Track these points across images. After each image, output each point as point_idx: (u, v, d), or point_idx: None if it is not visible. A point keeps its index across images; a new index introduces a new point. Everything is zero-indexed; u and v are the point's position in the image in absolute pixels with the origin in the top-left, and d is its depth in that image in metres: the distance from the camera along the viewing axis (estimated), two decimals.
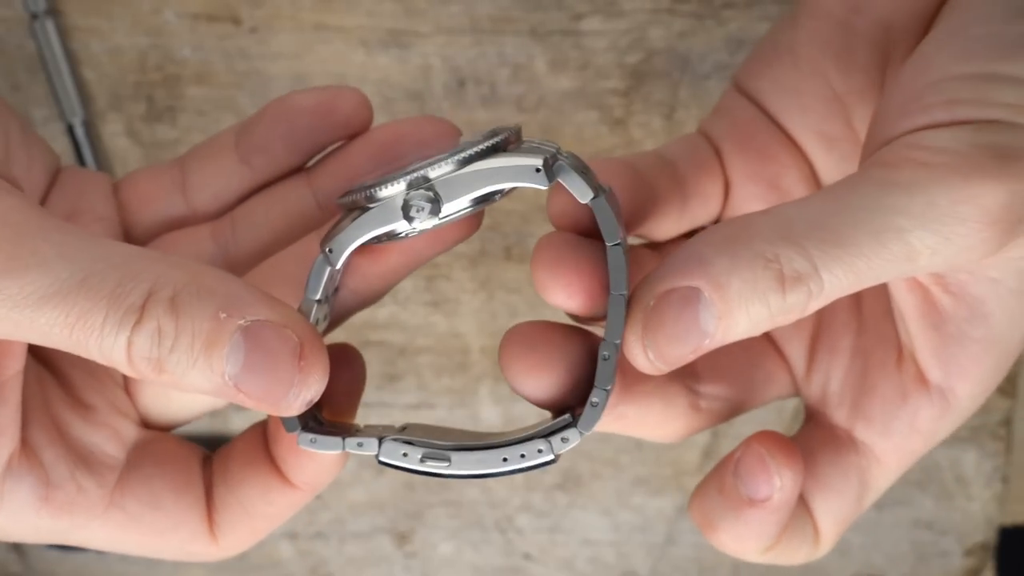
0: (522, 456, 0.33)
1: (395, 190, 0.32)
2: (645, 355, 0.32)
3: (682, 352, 0.31)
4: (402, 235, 0.34)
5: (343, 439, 0.33)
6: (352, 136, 0.38)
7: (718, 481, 0.36)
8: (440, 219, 0.33)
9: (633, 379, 0.36)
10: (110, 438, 0.36)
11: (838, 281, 0.31)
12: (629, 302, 0.32)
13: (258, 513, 0.36)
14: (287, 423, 0.33)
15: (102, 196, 0.39)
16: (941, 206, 0.30)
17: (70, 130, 0.53)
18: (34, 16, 0.52)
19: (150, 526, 0.35)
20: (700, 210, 0.39)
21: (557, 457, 0.33)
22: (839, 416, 0.37)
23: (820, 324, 0.39)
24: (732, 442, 0.57)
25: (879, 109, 0.33)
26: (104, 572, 0.59)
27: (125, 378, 0.37)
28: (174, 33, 0.53)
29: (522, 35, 0.53)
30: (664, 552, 0.59)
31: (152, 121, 0.54)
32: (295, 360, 0.31)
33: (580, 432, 0.33)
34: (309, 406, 0.32)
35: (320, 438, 0.33)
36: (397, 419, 0.57)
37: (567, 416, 0.33)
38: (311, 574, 0.60)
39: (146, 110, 0.54)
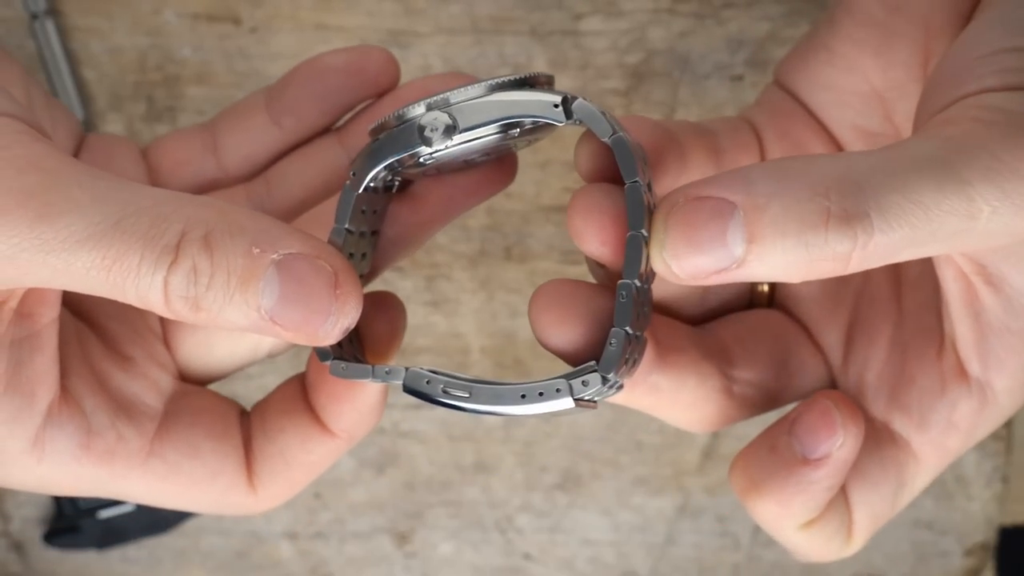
0: (540, 395, 0.32)
1: (416, 112, 0.33)
2: (662, 255, 0.30)
3: (702, 264, 0.30)
4: (424, 161, 0.34)
5: (372, 367, 0.33)
6: (381, 94, 0.39)
7: (770, 440, 0.36)
8: (454, 143, 0.33)
9: (667, 348, 0.35)
10: (149, 388, 0.36)
11: (890, 232, 0.29)
12: (660, 204, 0.31)
13: (297, 462, 0.36)
14: (320, 352, 0.33)
15: (131, 160, 0.40)
16: (1005, 161, 0.30)
17: None
18: (34, 16, 0.52)
19: (189, 475, 0.36)
20: None
21: (577, 402, 0.32)
22: (877, 407, 0.37)
23: (857, 312, 0.38)
24: (733, 442, 0.57)
25: (930, 82, 0.33)
26: (104, 572, 0.59)
27: (164, 330, 0.38)
28: (174, 33, 0.53)
29: (522, 35, 0.53)
30: (664, 552, 0.59)
31: (152, 121, 0.54)
32: (330, 289, 0.31)
33: (602, 375, 0.32)
34: (345, 334, 0.32)
35: (351, 366, 0.33)
36: (397, 419, 0.57)
37: (591, 362, 0.33)
38: (311, 574, 0.60)
39: (146, 110, 0.54)
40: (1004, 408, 0.36)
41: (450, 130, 0.33)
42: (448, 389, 0.33)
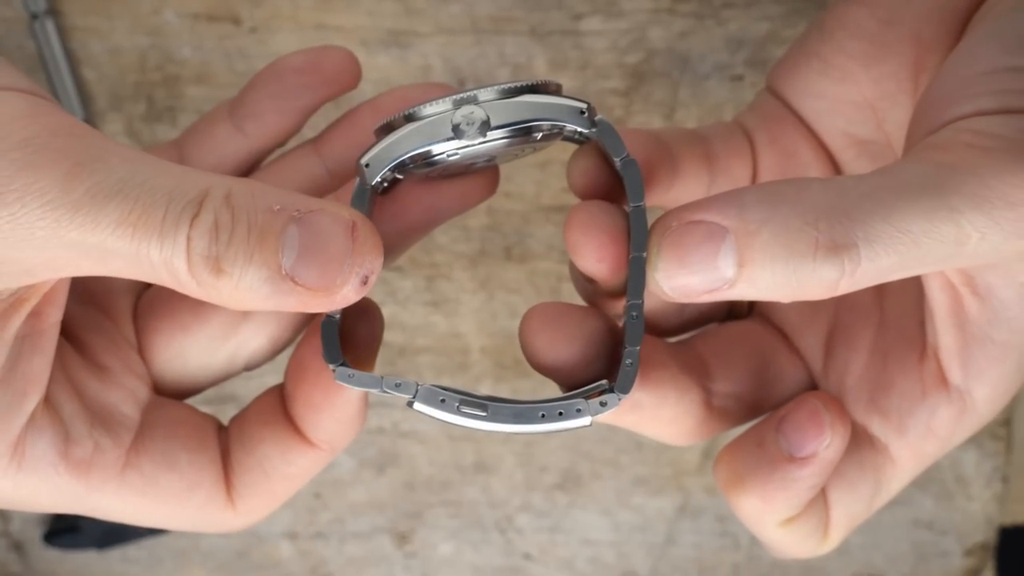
0: (560, 414, 0.32)
1: (442, 108, 0.33)
2: (655, 275, 0.31)
3: (693, 284, 0.31)
4: (437, 159, 0.34)
5: (382, 378, 0.33)
6: (340, 93, 0.39)
7: (757, 436, 0.36)
8: (487, 139, 0.33)
9: (647, 364, 0.36)
10: (125, 398, 0.36)
11: (878, 261, 0.30)
12: (654, 225, 0.32)
13: (277, 474, 0.36)
14: (329, 353, 0.33)
15: None
16: (994, 188, 0.30)
17: None
18: (34, 16, 0.52)
19: (166, 488, 0.35)
20: (727, 188, 0.39)
21: (592, 422, 0.33)
22: (856, 411, 0.37)
23: (837, 317, 0.39)
24: None
25: (924, 99, 0.33)
26: (104, 572, 0.59)
27: (139, 341, 0.37)
28: (174, 33, 0.53)
29: (522, 35, 0.53)
30: (664, 552, 0.59)
31: (152, 121, 0.54)
32: (348, 233, 0.31)
33: (618, 396, 0.32)
34: (366, 285, 0.31)
35: (358, 374, 0.33)
36: (397, 419, 0.57)
37: (603, 381, 0.33)
38: (311, 574, 0.60)
39: (146, 110, 0.54)
40: (982, 416, 0.36)
41: (484, 126, 0.33)
42: (463, 408, 0.33)
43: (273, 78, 0.39)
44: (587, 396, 0.33)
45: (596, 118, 0.33)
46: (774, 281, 0.30)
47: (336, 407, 0.35)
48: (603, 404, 0.32)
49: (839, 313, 0.38)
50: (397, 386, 0.33)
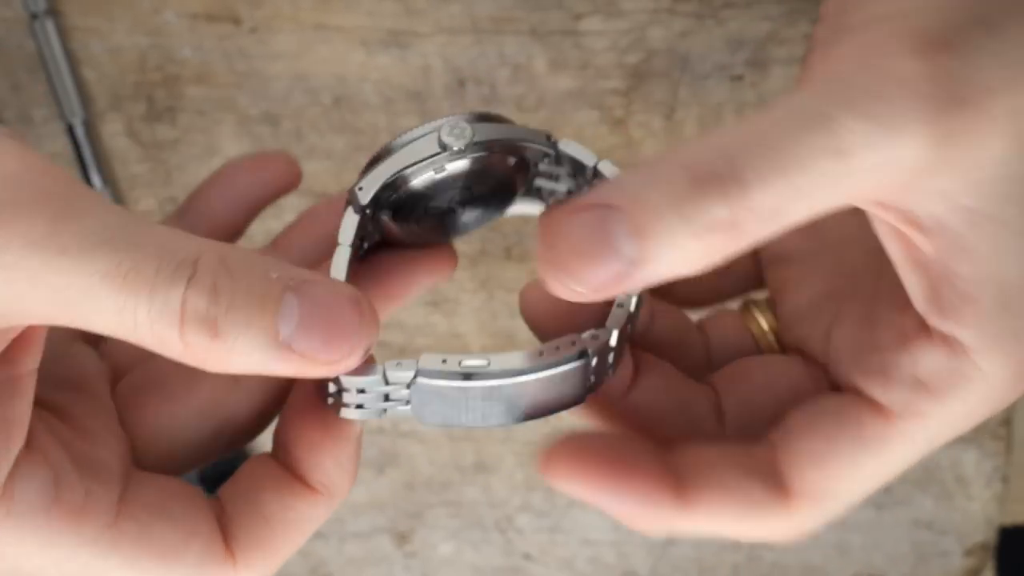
0: (557, 349, 0.32)
1: (426, 130, 0.34)
2: (555, 275, 0.30)
3: (598, 274, 0.29)
4: (422, 182, 0.34)
5: (383, 365, 0.32)
6: (283, 193, 0.40)
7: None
8: (468, 155, 0.34)
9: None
10: (111, 453, 0.35)
11: (765, 185, 0.28)
12: (538, 226, 0.31)
13: (276, 519, 0.35)
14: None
15: None
16: (861, 84, 0.29)
17: (70, 130, 0.53)
18: (34, 16, 0.52)
19: (161, 539, 0.34)
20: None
21: (589, 356, 0.32)
22: (840, 370, 0.36)
23: (839, 310, 0.37)
24: None
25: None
26: None
27: (122, 419, 0.36)
28: (174, 33, 0.53)
29: (522, 35, 0.53)
30: (664, 552, 0.59)
31: (152, 121, 0.54)
32: (355, 308, 0.30)
33: (609, 329, 0.33)
34: (366, 356, 0.31)
35: (357, 379, 0.32)
36: (397, 419, 0.57)
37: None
38: (311, 574, 0.60)
39: (146, 110, 0.54)
40: (989, 376, 0.33)
41: (471, 133, 0.34)
42: (465, 362, 0.32)
43: (220, 175, 0.40)
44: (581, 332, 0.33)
45: (557, 141, 0.35)
46: (674, 241, 0.29)
47: (336, 443, 0.34)
48: (594, 336, 0.33)
49: (841, 304, 0.38)
50: (398, 365, 0.32)
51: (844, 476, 0.33)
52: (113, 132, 0.54)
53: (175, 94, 0.54)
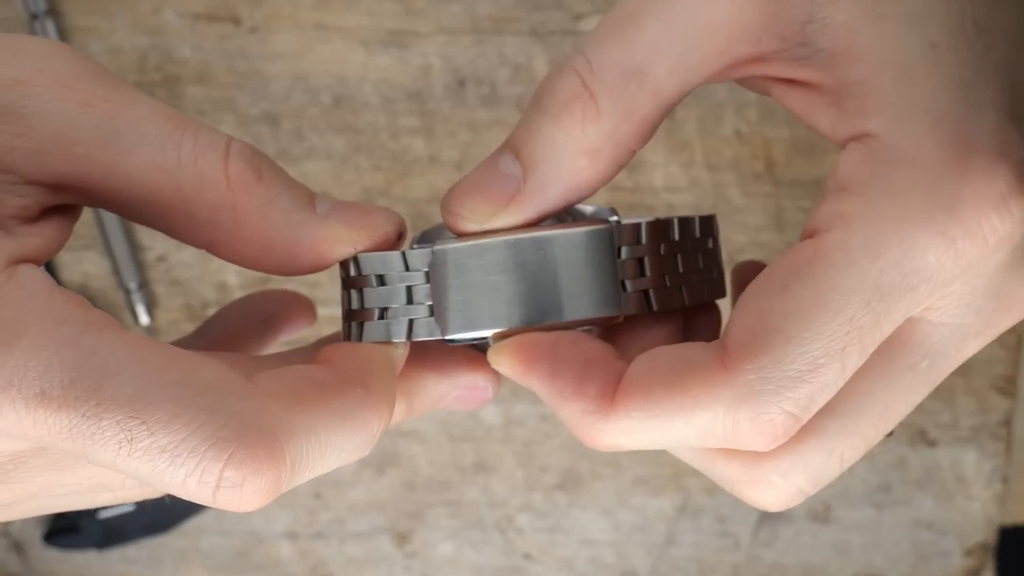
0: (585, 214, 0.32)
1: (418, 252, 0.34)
2: (454, 211, 0.31)
3: (484, 200, 0.31)
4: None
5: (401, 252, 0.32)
6: (299, 324, 0.39)
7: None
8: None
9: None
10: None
11: (602, 45, 0.30)
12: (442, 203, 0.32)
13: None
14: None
15: None
16: None
17: None
18: (34, 16, 0.52)
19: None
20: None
21: (615, 223, 0.31)
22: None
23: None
24: None
25: None
26: (104, 572, 0.59)
27: None
28: (174, 33, 0.53)
29: (522, 35, 0.53)
30: (664, 552, 0.59)
31: None
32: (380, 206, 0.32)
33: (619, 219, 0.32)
34: (397, 237, 0.32)
35: (377, 255, 0.32)
36: None
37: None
38: (311, 574, 0.60)
39: None
40: (913, 153, 0.29)
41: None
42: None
43: (242, 300, 0.39)
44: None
45: None
46: (540, 133, 0.30)
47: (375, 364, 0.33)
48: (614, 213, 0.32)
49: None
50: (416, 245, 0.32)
51: (776, 312, 0.29)
52: None
53: (175, 94, 0.54)
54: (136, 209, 0.30)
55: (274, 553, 0.59)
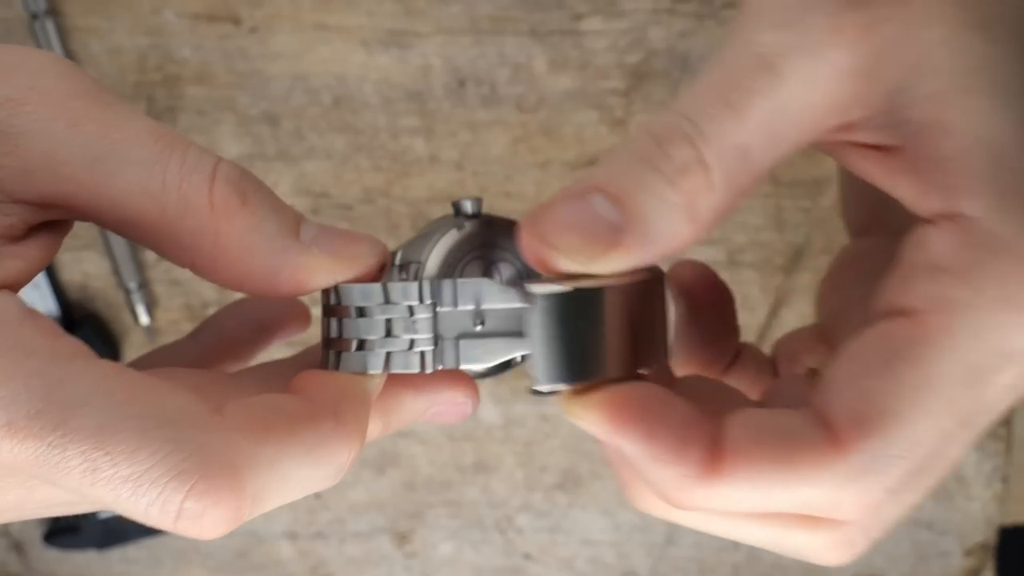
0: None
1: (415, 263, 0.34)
2: (538, 249, 0.30)
3: (580, 238, 0.30)
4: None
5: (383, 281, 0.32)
6: (292, 328, 0.39)
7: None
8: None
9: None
10: None
11: (714, 119, 0.29)
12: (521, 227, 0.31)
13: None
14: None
15: None
16: (769, 4, 0.30)
17: None
18: (34, 16, 0.52)
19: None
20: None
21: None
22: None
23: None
24: None
25: None
26: (104, 572, 0.59)
27: None
28: (174, 33, 0.53)
29: (522, 35, 0.52)
30: (664, 552, 0.59)
31: None
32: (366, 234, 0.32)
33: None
34: (379, 267, 0.32)
35: (358, 287, 0.32)
36: None
37: None
38: (311, 574, 0.60)
39: (146, 110, 0.54)
40: (1014, 242, 0.29)
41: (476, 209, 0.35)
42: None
43: (234, 304, 0.39)
44: None
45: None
46: (651, 194, 0.29)
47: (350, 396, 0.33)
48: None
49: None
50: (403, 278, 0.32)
51: (885, 392, 0.30)
52: None
53: (175, 94, 0.54)
54: (122, 228, 0.30)
55: (274, 553, 0.59)
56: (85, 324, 0.56)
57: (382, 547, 0.59)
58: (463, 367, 0.31)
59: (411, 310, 0.31)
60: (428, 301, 0.31)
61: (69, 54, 0.53)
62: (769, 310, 0.56)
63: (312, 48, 0.53)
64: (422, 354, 0.31)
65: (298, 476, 0.29)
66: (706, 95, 0.30)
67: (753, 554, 0.59)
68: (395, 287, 0.31)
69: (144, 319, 0.56)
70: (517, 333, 0.31)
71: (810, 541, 0.32)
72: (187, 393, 0.28)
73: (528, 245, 0.30)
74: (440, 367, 0.31)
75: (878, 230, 0.38)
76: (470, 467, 0.58)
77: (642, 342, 0.31)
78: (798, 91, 0.30)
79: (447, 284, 0.31)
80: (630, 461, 0.30)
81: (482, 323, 0.31)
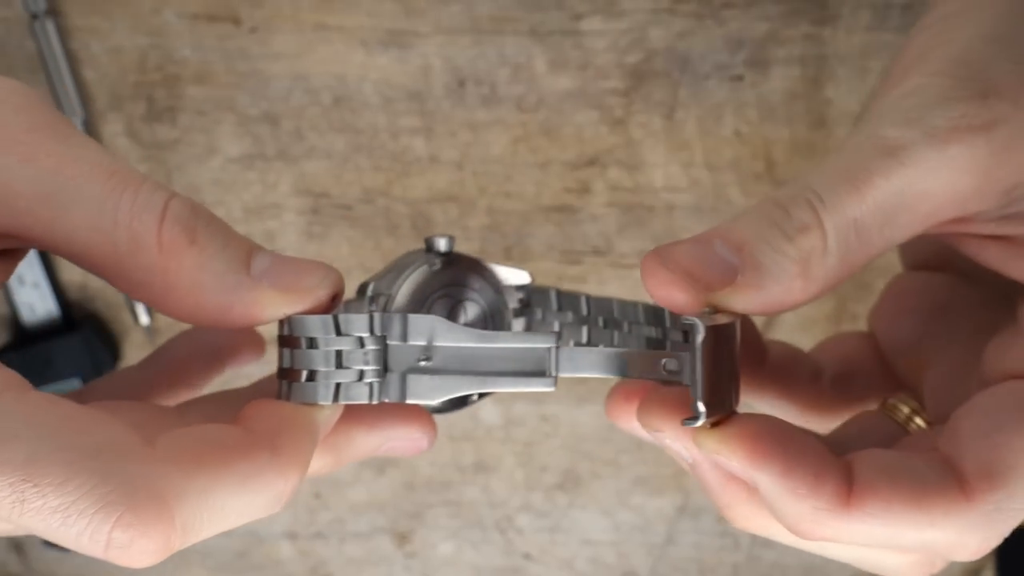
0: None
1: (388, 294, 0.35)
2: (664, 286, 0.31)
3: (701, 274, 0.31)
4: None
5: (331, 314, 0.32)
6: (246, 356, 0.39)
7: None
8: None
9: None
10: None
11: (835, 191, 0.31)
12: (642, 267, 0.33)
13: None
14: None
15: None
16: (897, 97, 0.32)
17: None
18: (34, 16, 0.52)
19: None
20: None
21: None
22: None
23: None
24: None
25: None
26: (104, 572, 0.59)
27: None
28: (174, 33, 0.53)
29: (522, 35, 0.53)
30: (664, 552, 0.59)
31: (152, 121, 0.54)
32: (319, 262, 0.32)
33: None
34: (333, 298, 0.32)
35: (309, 318, 0.32)
36: None
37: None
38: (311, 574, 0.60)
39: (146, 110, 0.54)
40: None
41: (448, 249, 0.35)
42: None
43: (187, 332, 0.39)
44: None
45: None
46: (769, 245, 0.31)
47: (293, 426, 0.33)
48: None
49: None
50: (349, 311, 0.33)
51: (1012, 445, 0.32)
52: (113, 132, 0.54)
53: (175, 94, 0.54)
54: (77, 260, 0.31)
55: (274, 553, 0.59)
56: (85, 324, 0.56)
57: (382, 547, 0.59)
58: (410, 401, 0.32)
59: (361, 341, 0.31)
60: (378, 333, 0.31)
61: (69, 54, 0.53)
62: None
63: (312, 48, 0.53)
64: (371, 385, 0.32)
65: (233, 506, 0.30)
66: (830, 172, 0.32)
67: (753, 554, 0.59)
68: (346, 319, 0.31)
69: (144, 319, 0.56)
70: (467, 371, 0.32)
71: (901, 563, 0.35)
72: (118, 425, 0.29)
73: (651, 274, 0.32)
74: (385, 399, 0.32)
75: (943, 267, 0.40)
76: (470, 467, 0.58)
77: (737, 379, 0.33)
78: (918, 179, 0.32)
79: (397, 318, 0.31)
80: (759, 491, 0.32)
81: (427, 359, 0.32)
